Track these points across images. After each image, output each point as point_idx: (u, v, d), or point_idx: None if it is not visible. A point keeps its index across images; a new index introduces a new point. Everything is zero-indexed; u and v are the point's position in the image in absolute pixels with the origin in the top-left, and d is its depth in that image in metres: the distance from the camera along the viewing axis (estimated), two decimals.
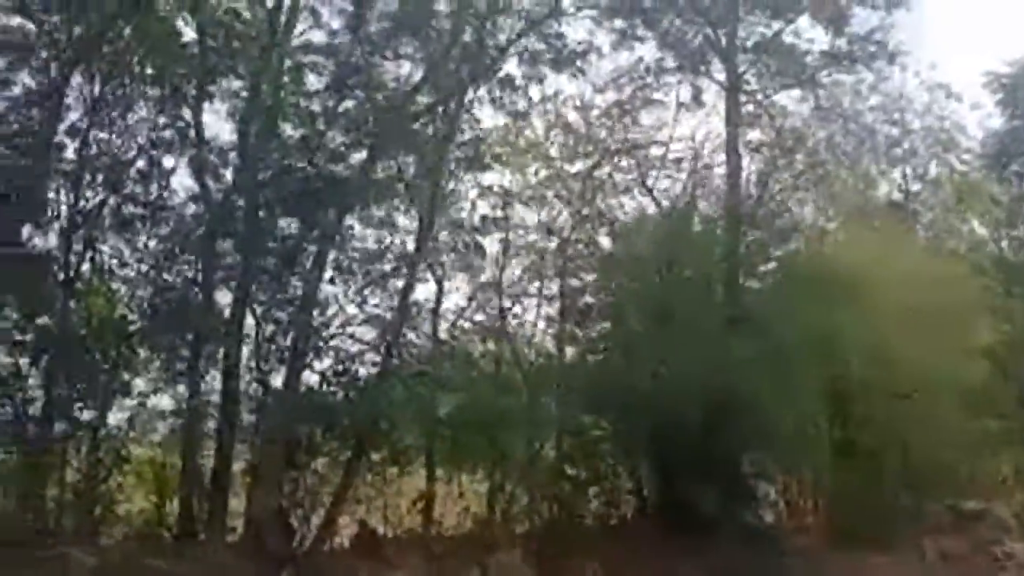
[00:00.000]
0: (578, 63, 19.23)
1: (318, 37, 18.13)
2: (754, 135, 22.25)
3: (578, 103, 21.15)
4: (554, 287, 21.34)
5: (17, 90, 15.48)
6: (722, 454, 17.52)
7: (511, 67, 18.94)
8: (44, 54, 15.69)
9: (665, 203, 21.60)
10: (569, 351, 21.31)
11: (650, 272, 19.84)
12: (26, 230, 15.18)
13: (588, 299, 21.27)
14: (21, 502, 14.46)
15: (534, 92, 19.46)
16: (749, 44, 21.50)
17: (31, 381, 14.84)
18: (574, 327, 21.27)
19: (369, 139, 17.80)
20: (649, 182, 21.79)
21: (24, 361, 14.77)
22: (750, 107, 21.85)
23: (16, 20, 15.64)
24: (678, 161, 21.82)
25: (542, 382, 19.80)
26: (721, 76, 21.42)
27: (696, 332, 17.57)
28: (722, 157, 21.43)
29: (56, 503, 14.81)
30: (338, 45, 18.03)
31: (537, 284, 21.48)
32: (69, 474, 15.27)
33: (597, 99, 21.55)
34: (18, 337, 14.66)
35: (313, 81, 18.13)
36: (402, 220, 18.87)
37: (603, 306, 20.94)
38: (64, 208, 15.53)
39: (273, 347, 17.34)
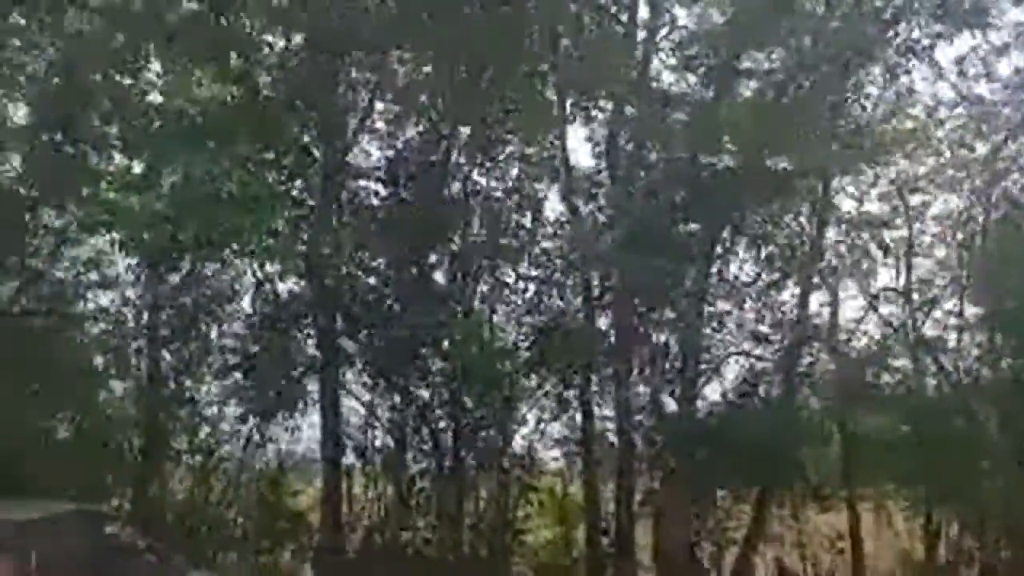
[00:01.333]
0: (984, 18, 16.16)
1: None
2: None
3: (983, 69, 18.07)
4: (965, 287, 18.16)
5: (409, 132, 16.25)
6: None
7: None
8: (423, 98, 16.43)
9: None
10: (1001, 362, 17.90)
11: None
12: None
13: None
14: (441, 530, 14.56)
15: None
16: None
17: (438, 412, 15.07)
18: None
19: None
20: None
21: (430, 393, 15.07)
22: None
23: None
24: None
25: (977, 400, 16.70)
26: None
27: None
28: None
29: (470, 531, 14.75)
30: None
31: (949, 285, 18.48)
32: (476, 504, 15.21)
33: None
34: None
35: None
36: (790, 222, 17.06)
37: None
38: (455, 242, 15.89)
39: (663, 370, 16.32)
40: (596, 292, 16.59)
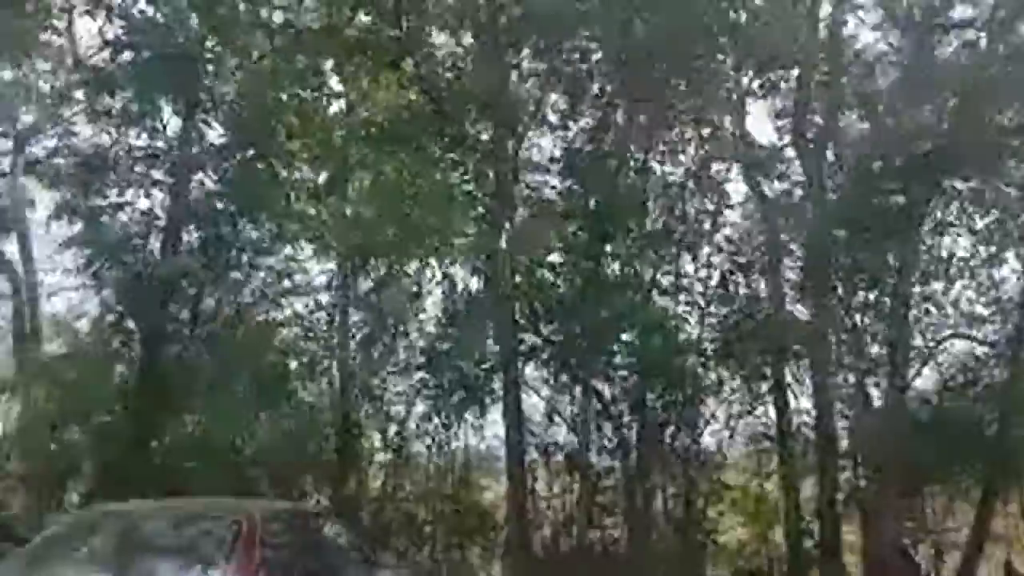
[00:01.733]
0: None
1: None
2: None
3: None
4: None
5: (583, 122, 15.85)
6: None
7: None
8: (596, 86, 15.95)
9: None
10: None
11: None
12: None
13: None
14: (630, 530, 14.16)
15: None
16: None
17: (622, 407, 14.64)
18: None
19: None
20: None
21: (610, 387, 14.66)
22: None
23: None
24: None
25: None
26: None
27: None
28: None
29: (660, 531, 14.23)
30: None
31: None
32: (664, 503, 14.66)
33: None
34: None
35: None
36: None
37: None
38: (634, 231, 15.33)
39: (868, 358, 14.99)
40: (789, 276, 15.54)
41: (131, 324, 14.56)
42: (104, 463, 14.16)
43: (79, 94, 16.46)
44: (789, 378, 14.94)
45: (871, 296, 14.86)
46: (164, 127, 15.51)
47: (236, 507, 7.11)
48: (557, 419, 15.13)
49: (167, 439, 14.06)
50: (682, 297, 15.39)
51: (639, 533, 14.22)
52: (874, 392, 14.75)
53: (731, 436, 15.21)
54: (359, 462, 15.57)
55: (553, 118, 16.20)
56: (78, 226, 14.93)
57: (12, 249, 16.70)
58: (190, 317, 14.79)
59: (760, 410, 15.12)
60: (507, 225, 15.19)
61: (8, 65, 16.97)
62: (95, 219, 14.92)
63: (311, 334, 15.88)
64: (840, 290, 14.94)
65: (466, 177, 15.15)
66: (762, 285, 15.48)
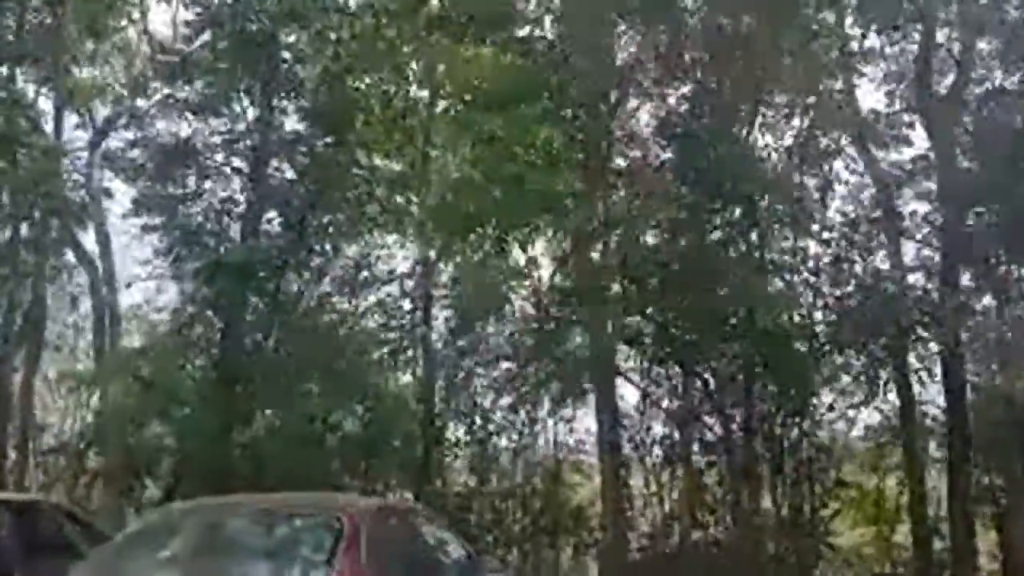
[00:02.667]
0: None
1: None
2: None
3: None
4: None
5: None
6: None
7: None
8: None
9: None
10: None
11: None
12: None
13: None
14: (736, 530, 12.99)
15: None
16: None
17: (727, 397, 13.48)
18: None
19: None
20: None
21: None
22: None
23: None
24: None
25: None
26: None
27: None
28: None
29: (770, 532, 13.02)
30: None
31: None
32: (774, 501, 13.42)
33: None
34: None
35: None
36: None
37: None
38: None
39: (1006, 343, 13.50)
40: (912, 254, 14.18)
41: (210, 315, 14.11)
42: (184, 457, 13.76)
43: (155, 83, 16.21)
44: (915, 364, 13.50)
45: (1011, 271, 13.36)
46: (244, 112, 15.19)
47: (334, 503, 6.43)
48: (654, 410, 14.00)
49: (248, 432, 13.54)
50: (794, 276, 14.07)
51: (746, 534, 13.03)
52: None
53: (849, 428, 13.86)
54: (443, 456, 14.77)
55: (650, 86, 15.09)
56: (157, 218, 14.69)
57: (90, 242, 16.52)
58: (270, 307, 14.26)
59: (881, 399, 13.68)
60: (604, 199, 14.26)
61: (84, 54, 16.87)
62: (174, 209, 14.63)
63: (393, 323, 15.14)
64: (971, 267, 13.51)
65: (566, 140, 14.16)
66: (881, 262, 14.09)
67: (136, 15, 17.24)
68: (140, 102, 16.78)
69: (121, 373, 14.27)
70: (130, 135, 16.18)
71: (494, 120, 13.09)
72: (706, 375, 13.48)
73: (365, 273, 15.58)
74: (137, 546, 5.85)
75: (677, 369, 13.67)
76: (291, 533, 5.67)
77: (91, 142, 16.84)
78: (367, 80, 15.54)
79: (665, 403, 14.01)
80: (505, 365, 14.82)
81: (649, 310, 13.19)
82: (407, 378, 15.51)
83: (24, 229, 14.62)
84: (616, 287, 13.45)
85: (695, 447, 13.76)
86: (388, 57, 15.21)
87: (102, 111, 17.65)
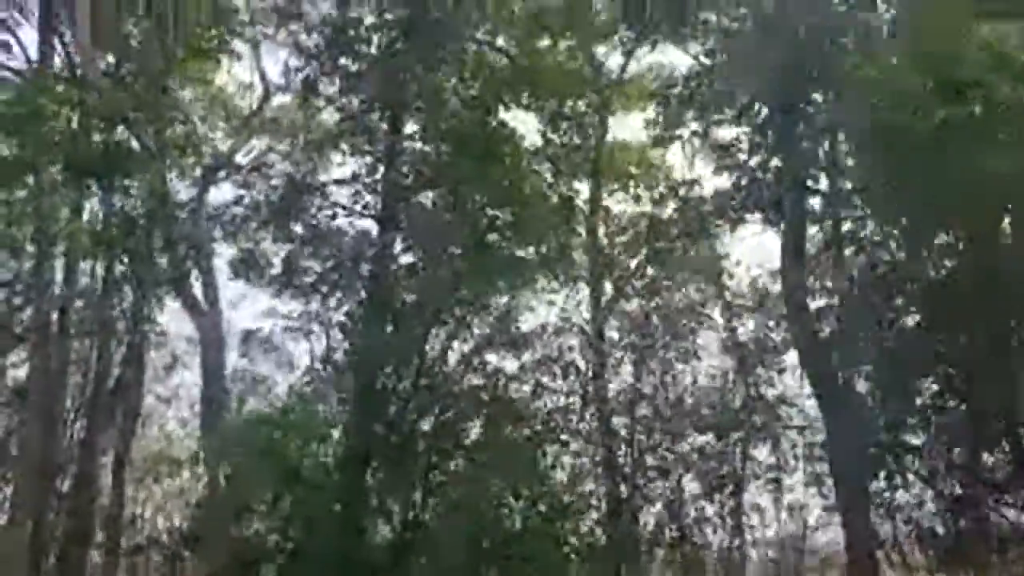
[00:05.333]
0: None
1: None
2: None
3: None
4: None
5: None
6: None
7: None
8: None
9: None
10: None
11: None
12: None
13: None
14: None
15: None
16: None
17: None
18: None
19: None
20: None
21: None
22: None
23: None
24: None
25: None
26: None
27: None
28: None
29: None
30: None
31: None
32: None
33: None
34: None
35: None
36: None
37: None
38: None
39: None
40: None
41: (346, 375, 11.44)
42: (305, 558, 10.90)
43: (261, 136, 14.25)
44: None
45: None
46: (371, 142, 12.93)
47: None
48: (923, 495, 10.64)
49: (392, 524, 10.68)
50: None
51: None
52: None
53: None
54: (636, 551, 11.58)
55: None
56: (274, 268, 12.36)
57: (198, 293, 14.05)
58: (415, 370, 11.51)
59: None
60: None
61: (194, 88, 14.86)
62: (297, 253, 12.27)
63: (558, 383, 12.23)
64: None
65: None
66: None
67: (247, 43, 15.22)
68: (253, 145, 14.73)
69: (231, 449, 11.54)
70: (241, 179, 13.98)
71: None
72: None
73: (517, 326, 12.74)
74: None
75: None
76: None
77: (200, 188, 14.57)
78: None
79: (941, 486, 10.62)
80: (700, 439, 11.78)
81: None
82: (584, 448, 12.36)
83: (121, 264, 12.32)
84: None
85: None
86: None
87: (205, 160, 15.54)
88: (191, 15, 13.29)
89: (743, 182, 11.41)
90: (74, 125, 11.91)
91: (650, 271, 12.58)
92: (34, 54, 12.81)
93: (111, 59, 13.19)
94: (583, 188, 12.95)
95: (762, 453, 11.87)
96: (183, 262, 12.24)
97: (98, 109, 11.82)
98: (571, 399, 11.90)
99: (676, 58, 13.79)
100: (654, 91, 12.64)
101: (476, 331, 12.52)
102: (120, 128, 12.08)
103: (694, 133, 12.37)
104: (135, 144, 12.38)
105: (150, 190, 12.43)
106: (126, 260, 11.95)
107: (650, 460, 11.78)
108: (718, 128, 12.05)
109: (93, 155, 11.72)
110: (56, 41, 12.90)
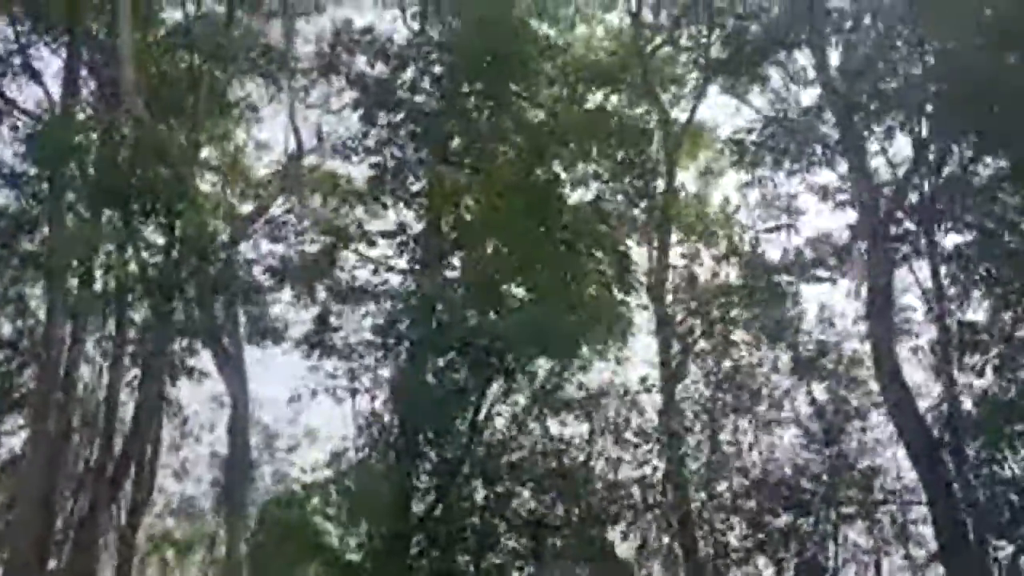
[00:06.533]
0: None
1: None
2: None
3: None
4: None
5: None
6: None
7: None
8: None
9: None
10: None
11: None
12: None
13: None
14: None
15: None
16: None
17: None
18: None
19: None
20: None
21: None
22: None
23: None
24: None
25: None
26: None
27: None
28: None
29: None
30: None
31: None
32: None
33: None
34: None
35: None
36: None
37: None
38: None
39: None
40: None
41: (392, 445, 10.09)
42: None
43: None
44: None
45: None
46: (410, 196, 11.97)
47: None
48: None
49: None
50: None
51: None
52: None
53: None
54: None
55: None
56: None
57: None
58: (467, 434, 10.22)
59: None
60: None
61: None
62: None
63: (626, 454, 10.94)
64: None
65: None
66: None
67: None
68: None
69: (262, 529, 10.09)
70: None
71: None
72: None
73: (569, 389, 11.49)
74: None
75: None
76: None
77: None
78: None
79: None
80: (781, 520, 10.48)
81: None
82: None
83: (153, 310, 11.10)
84: None
85: None
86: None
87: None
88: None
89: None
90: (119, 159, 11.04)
91: (720, 330, 11.51)
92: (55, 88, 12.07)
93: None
94: (646, 242, 12.00)
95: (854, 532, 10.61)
96: (226, 309, 10.96)
97: (143, 142, 10.90)
98: (644, 469, 10.62)
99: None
100: (730, 137, 11.76)
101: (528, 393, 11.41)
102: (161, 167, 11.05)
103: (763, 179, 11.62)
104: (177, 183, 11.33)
105: (196, 231, 11.30)
106: (163, 301, 10.69)
107: (732, 541, 10.45)
108: (807, 173, 11.21)
109: (136, 190, 10.79)
110: (85, 74, 12.27)
